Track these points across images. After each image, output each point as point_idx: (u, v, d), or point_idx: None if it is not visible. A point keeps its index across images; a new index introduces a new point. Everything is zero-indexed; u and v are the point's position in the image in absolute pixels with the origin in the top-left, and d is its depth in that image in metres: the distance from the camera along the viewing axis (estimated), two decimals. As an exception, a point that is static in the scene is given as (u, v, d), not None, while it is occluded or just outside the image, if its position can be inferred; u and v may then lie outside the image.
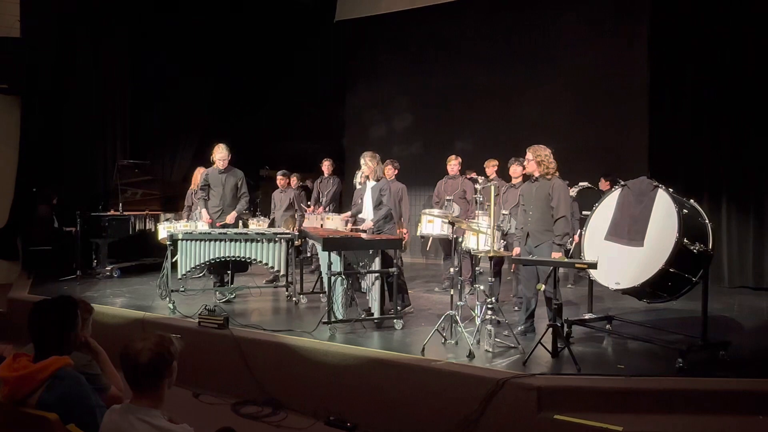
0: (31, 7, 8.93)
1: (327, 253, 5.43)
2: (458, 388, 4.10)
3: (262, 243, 6.30)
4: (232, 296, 6.82)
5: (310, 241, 7.38)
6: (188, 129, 10.54)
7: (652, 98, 8.24)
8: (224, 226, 6.83)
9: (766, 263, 7.55)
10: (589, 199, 7.31)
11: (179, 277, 6.31)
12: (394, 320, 5.47)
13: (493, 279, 5.52)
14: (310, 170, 10.28)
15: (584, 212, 7.21)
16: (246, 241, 6.29)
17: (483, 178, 6.37)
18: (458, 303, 5.05)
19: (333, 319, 5.24)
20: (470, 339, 4.63)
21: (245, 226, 7.73)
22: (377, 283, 5.52)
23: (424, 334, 4.92)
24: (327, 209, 8.76)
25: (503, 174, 7.19)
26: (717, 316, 5.84)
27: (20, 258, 8.88)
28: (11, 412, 2.41)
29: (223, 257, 6.30)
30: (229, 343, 5.10)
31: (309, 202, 8.94)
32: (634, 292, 4.93)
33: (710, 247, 4.66)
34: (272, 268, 6.41)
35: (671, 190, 4.79)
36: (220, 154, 6.90)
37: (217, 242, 6.24)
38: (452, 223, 5.26)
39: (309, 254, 8.36)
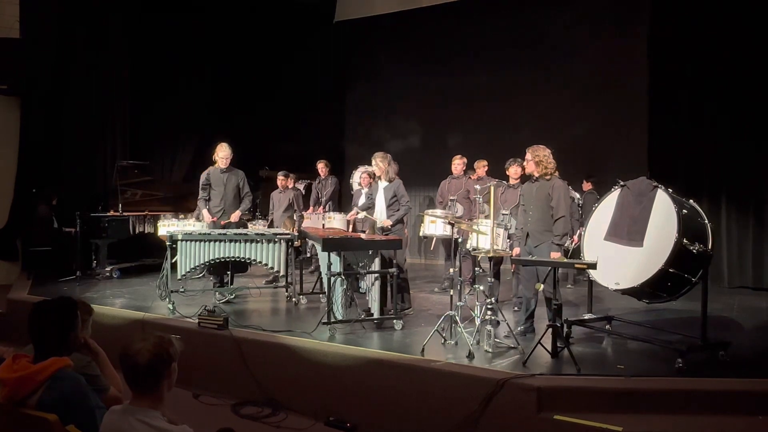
0: (31, 8, 8.93)
1: (326, 253, 5.43)
2: (458, 389, 4.10)
3: (262, 243, 6.30)
4: (232, 297, 6.82)
5: (310, 242, 7.38)
6: (188, 129, 10.54)
7: (652, 98, 8.23)
8: (228, 225, 6.84)
9: (765, 264, 7.56)
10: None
11: (179, 277, 6.30)
12: (394, 321, 5.47)
13: (492, 279, 5.52)
14: (309, 171, 10.27)
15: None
16: (245, 241, 6.29)
17: (503, 183, 6.42)
18: (458, 303, 5.05)
19: (333, 320, 5.24)
20: (470, 339, 4.64)
21: (244, 227, 7.73)
22: (377, 283, 5.52)
23: (423, 334, 4.93)
24: (326, 209, 8.77)
25: (499, 174, 7.19)
26: (717, 317, 5.85)
27: (20, 259, 8.87)
28: (11, 413, 2.41)
29: (222, 258, 6.30)
30: (229, 344, 5.10)
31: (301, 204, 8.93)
32: (634, 292, 4.93)
33: (710, 247, 4.66)
34: (272, 268, 6.41)
35: (671, 190, 4.79)
36: (223, 152, 6.91)
37: (217, 243, 6.24)
38: (452, 224, 5.25)
39: (309, 255, 8.37)
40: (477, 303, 5.09)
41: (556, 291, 4.62)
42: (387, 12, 10.74)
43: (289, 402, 4.73)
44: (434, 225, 6.85)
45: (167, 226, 8.06)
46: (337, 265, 5.54)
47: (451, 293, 5.05)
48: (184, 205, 9.28)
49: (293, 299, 6.69)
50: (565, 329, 4.98)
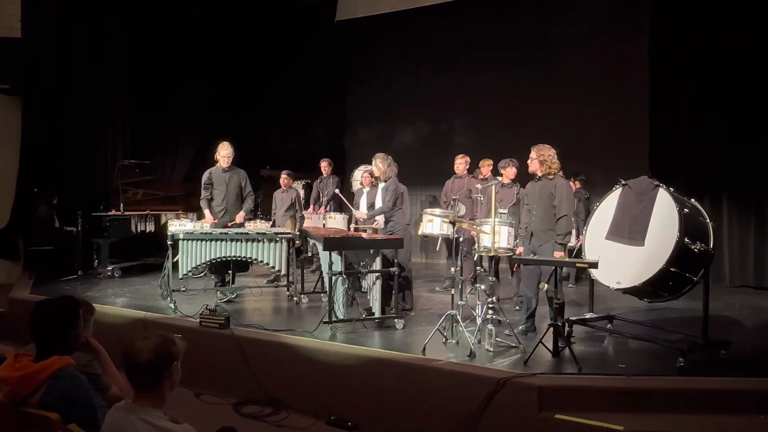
0: (32, 8, 8.94)
1: (328, 252, 5.43)
2: (459, 388, 4.10)
3: (263, 243, 6.32)
4: (233, 296, 6.82)
5: (311, 241, 7.39)
6: (189, 129, 10.53)
7: (653, 97, 8.24)
8: (234, 226, 6.83)
9: (767, 263, 7.55)
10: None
11: (180, 276, 6.31)
12: (395, 320, 5.47)
13: (494, 279, 5.52)
14: (310, 171, 10.28)
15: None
16: (247, 240, 6.30)
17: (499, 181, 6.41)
18: (459, 303, 5.05)
19: (334, 319, 5.24)
20: (471, 339, 4.63)
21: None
22: (378, 282, 5.52)
23: (425, 333, 4.93)
24: (327, 209, 8.77)
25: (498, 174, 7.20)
26: (718, 316, 5.84)
27: (21, 258, 8.89)
28: (12, 412, 2.41)
29: (223, 257, 6.31)
30: (231, 343, 5.11)
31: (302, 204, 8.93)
32: (635, 291, 4.93)
33: (711, 246, 4.65)
34: (273, 268, 6.42)
35: (672, 189, 4.78)
36: (225, 151, 6.89)
37: (218, 242, 6.25)
38: (453, 223, 5.25)
39: (310, 254, 8.37)
40: (478, 302, 5.09)
41: (558, 290, 4.62)
42: (388, 11, 10.73)
43: (291, 401, 4.74)
44: (431, 224, 6.84)
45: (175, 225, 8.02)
46: (338, 265, 5.54)
47: (453, 292, 5.04)
48: (185, 204, 9.29)
49: (294, 298, 6.70)
50: (567, 328, 4.99)
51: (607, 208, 5.14)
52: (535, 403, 3.83)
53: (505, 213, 6.07)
